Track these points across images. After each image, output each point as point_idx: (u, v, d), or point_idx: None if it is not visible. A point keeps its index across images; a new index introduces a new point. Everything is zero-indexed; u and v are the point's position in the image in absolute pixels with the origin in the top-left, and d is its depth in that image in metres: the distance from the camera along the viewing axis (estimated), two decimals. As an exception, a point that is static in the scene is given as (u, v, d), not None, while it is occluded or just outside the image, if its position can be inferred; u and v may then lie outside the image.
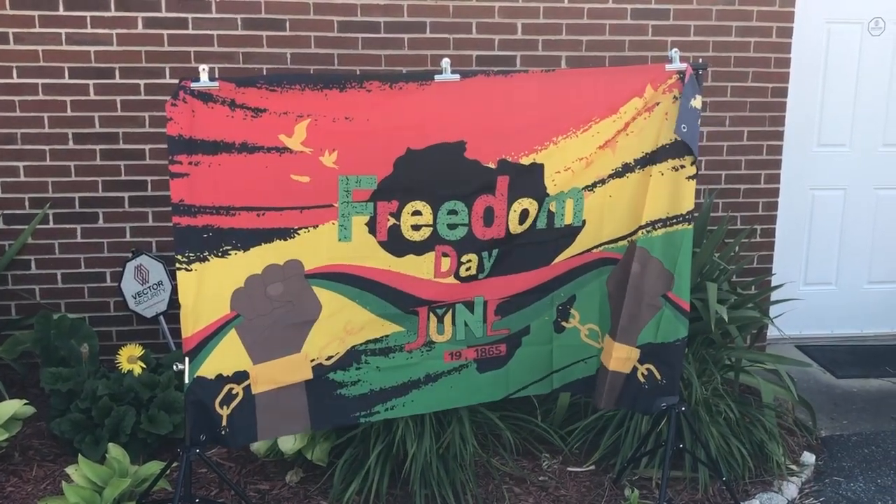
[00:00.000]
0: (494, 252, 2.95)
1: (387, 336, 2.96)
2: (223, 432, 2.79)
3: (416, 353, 3.01)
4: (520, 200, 2.91)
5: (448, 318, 3.01)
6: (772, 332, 4.97)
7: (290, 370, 2.85)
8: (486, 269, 2.96)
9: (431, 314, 2.98)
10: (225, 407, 2.78)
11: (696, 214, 3.00)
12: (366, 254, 2.85)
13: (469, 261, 2.93)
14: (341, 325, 2.87)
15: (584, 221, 2.99)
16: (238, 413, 2.79)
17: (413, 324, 2.97)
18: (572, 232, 3.00)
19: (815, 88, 4.88)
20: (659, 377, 3.10)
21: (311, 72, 4.25)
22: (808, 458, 3.63)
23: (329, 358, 2.90)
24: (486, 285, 3.00)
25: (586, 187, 2.95)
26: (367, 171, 2.78)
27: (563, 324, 3.15)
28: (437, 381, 3.06)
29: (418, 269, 2.90)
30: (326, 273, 2.82)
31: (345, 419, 3.00)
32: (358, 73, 4.28)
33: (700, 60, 4.34)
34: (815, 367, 4.73)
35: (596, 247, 3.05)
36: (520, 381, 3.17)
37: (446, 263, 2.92)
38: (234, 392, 2.78)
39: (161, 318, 4.26)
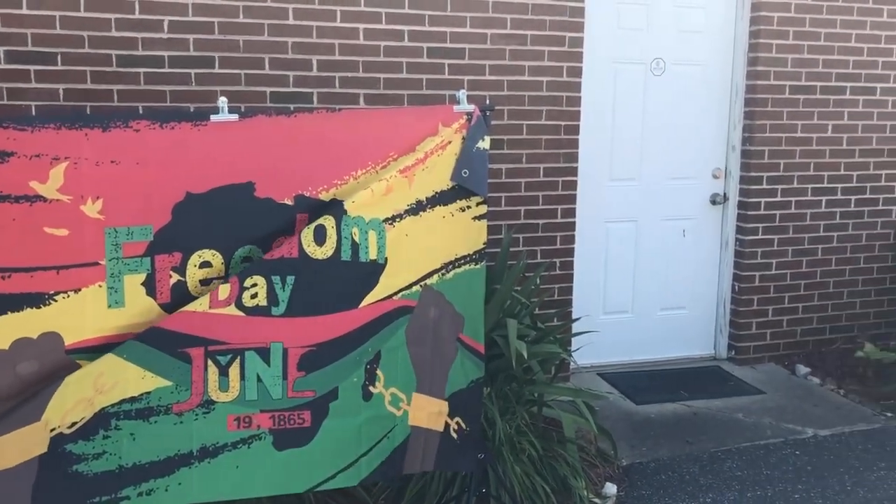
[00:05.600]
0: (290, 279, 2.50)
1: (148, 393, 2.39)
2: None
3: (187, 415, 2.44)
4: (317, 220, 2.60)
5: (235, 370, 2.49)
6: (579, 361, 5.10)
7: (25, 444, 2.30)
8: (280, 301, 2.50)
9: (211, 362, 2.45)
10: None
11: (485, 254, 2.96)
12: (143, 321, 2.42)
13: (255, 285, 2.45)
14: (91, 380, 2.33)
15: (386, 259, 2.72)
16: None
17: (184, 375, 2.42)
18: (376, 270, 2.69)
19: (606, 125, 5.09)
20: (465, 426, 3.00)
21: (88, 110, 3.93)
22: (610, 489, 3.70)
23: (73, 425, 2.34)
24: (286, 326, 2.53)
25: (387, 220, 2.71)
26: (141, 221, 2.43)
27: (371, 388, 2.71)
28: (216, 456, 2.50)
29: (191, 304, 2.43)
30: (94, 347, 2.36)
31: None
32: (141, 110, 4.00)
33: (487, 101, 4.45)
34: (616, 394, 4.88)
35: (394, 294, 2.77)
36: (327, 467, 2.67)
37: (225, 291, 2.42)
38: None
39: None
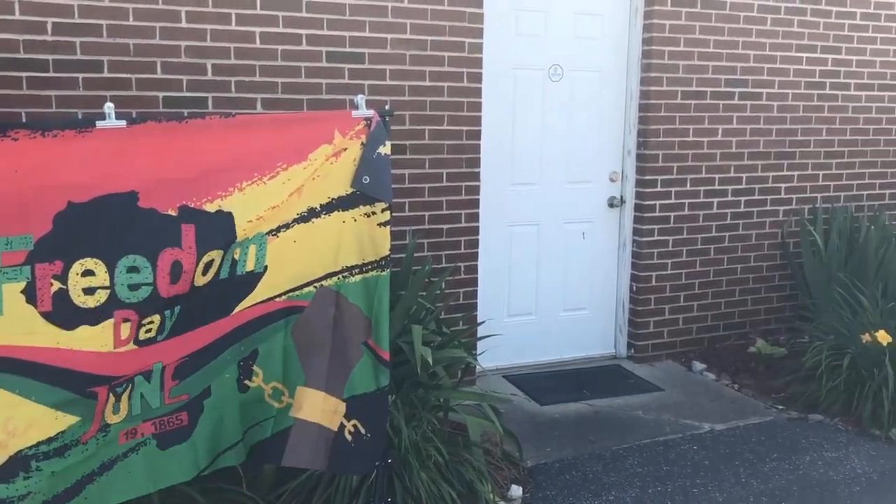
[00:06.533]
0: (177, 309, 2.63)
1: (62, 432, 2.47)
2: None
3: (91, 442, 2.55)
4: (210, 253, 2.64)
5: (126, 395, 2.62)
6: (485, 364, 5.14)
7: None
8: (166, 329, 2.63)
9: (111, 394, 2.56)
10: None
11: (391, 260, 2.94)
12: (24, 329, 2.38)
13: (150, 322, 2.58)
14: (0, 425, 2.37)
15: (265, 267, 2.77)
16: None
17: (90, 410, 2.52)
18: (254, 279, 2.76)
19: (507, 131, 5.15)
20: (364, 432, 2.99)
21: (-36, 114, 3.72)
22: (516, 491, 3.72)
23: None
24: (165, 348, 2.65)
25: (270, 231, 2.75)
26: (20, 231, 2.36)
27: (247, 382, 2.87)
28: (111, 468, 2.62)
29: (95, 341, 2.49)
30: None
31: None
32: (24, 116, 3.81)
33: (388, 106, 4.43)
34: (521, 396, 4.93)
35: (279, 295, 2.83)
36: (210, 453, 2.85)
37: (126, 330, 2.53)
38: None
39: None
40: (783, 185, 5.78)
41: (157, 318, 2.58)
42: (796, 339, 5.47)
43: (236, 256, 2.70)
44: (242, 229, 2.67)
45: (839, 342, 4.82)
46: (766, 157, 5.69)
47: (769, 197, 5.75)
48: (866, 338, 4.66)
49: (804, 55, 5.66)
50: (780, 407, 4.86)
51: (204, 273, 2.64)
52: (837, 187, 5.96)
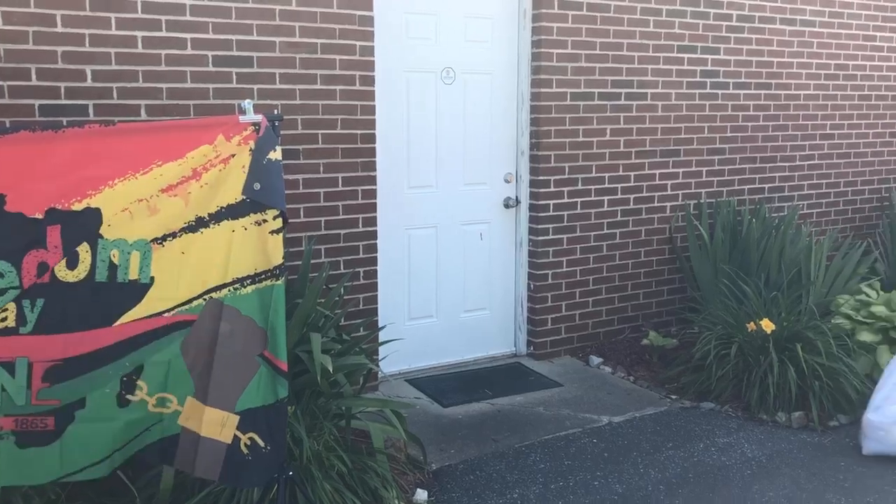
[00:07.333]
0: (39, 301, 2.63)
1: None
2: None
3: None
4: (76, 247, 2.67)
5: None
6: (388, 369, 5.12)
7: None
8: (28, 321, 2.62)
9: None
10: None
11: (285, 269, 2.89)
12: None
13: (5, 310, 2.59)
14: None
15: (152, 279, 2.74)
16: None
17: None
18: (138, 290, 2.73)
19: (402, 133, 5.14)
20: (263, 444, 2.92)
21: None
22: (421, 495, 3.72)
23: None
24: (31, 343, 2.64)
25: (155, 240, 2.72)
26: None
27: (129, 397, 2.81)
28: None
29: None
30: None
31: None
32: None
33: (278, 110, 4.36)
34: (424, 399, 4.93)
35: (168, 310, 2.79)
36: (75, 463, 2.79)
37: None
38: None
39: None
40: (669, 182, 5.98)
41: (11, 306, 2.61)
42: (687, 330, 5.67)
43: (115, 259, 2.68)
44: (108, 224, 2.68)
45: (727, 332, 5.01)
46: (652, 156, 5.87)
47: (657, 194, 5.94)
48: (751, 326, 4.87)
49: (685, 56, 5.87)
50: (674, 397, 5.02)
51: (71, 267, 2.65)
52: (720, 182, 6.21)
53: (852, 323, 5.12)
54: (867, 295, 5.36)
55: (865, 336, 5.01)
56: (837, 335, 4.88)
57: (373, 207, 4.89)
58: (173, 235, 2.74)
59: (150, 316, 2.77)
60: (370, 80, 4.76)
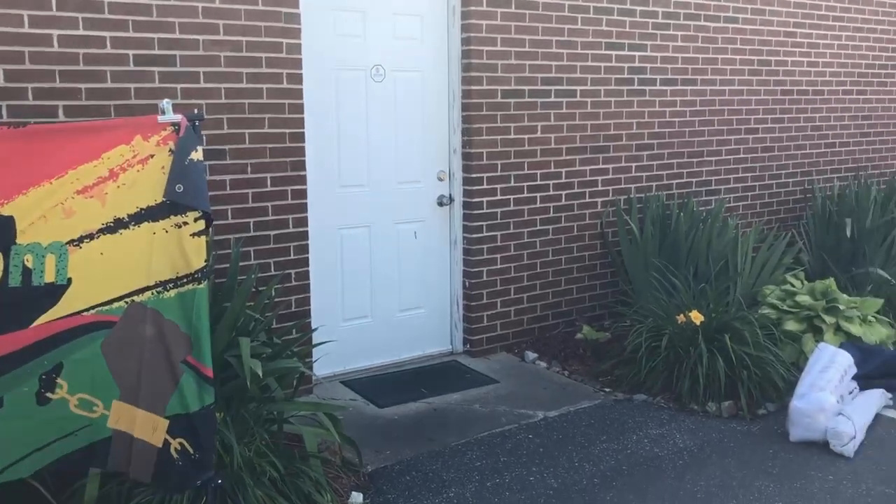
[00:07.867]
0: None
1: None
2: None
3: None
4: None
5: None
6: (322, 371, 5.06)
7: None
8: None
9: None
10: None
11: (208, 272, 2.82)
12: None
13: None
14: None
15: (69, 280, 2.69)
16: None
17: None
18: (55, 291, 2.68)
19: (332, 132, 5.08)
20: (192, 451, 2.86)
21: None
22: (356, 497, 3.67)
23: None
24: None
25: (71, 241, 2.67)
26: None
27: (49, 395, 2.75)
28: None
29: None
30: None
31: None
32: None
33: (201, 110, 4.27)
34: (360, 401, 4.88)
35: (87, 309, 2.74)
36: None
37: None
38: None
39: None
40: (600, 178, 6.04)
41: None
42: (619, 323, 5.73)
43: (28, 264, 2.63)
44: (22, 231, 2.62)
45: (657, 324, 5.09)
46: (582, 152, 5.92)
47: (587, 189, 6.00)
48: (681, 318, 4.96)
49: (613, 53, 5.94)
50: (608, 390, 5.08)
51: None
52: (649, 177, 6.30)
53: (778, 312, 5.26)
54: (792, 285, 5.51)
55: (791, 325, 5.14)
56: (764, 325, 5.00)
57: (303, 207, 4.82)
58: (91, 237, 2.69)
59: (69, 315, 2.72)
60: (298, 79, 4.69)
